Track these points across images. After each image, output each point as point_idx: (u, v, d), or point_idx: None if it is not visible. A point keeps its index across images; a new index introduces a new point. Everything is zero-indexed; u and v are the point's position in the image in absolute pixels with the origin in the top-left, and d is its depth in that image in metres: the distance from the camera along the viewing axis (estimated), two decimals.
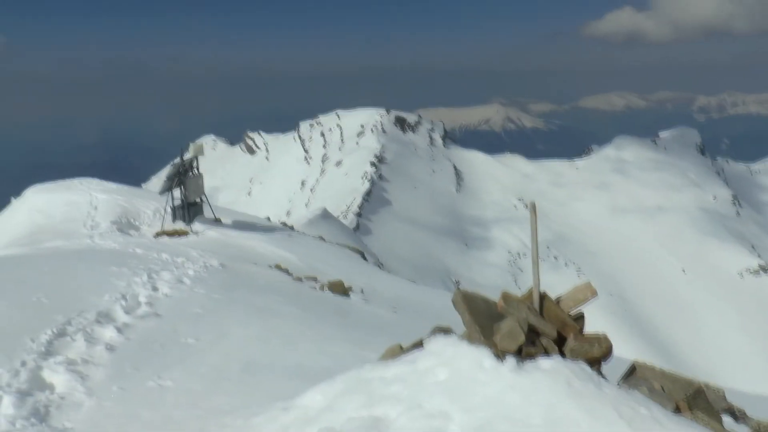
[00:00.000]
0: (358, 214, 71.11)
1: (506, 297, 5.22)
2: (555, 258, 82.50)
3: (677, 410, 5.61)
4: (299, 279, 15.39)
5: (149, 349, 7.62)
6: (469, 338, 5.06)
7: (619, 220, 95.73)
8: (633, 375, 5.81)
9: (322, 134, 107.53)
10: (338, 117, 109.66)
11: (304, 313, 11.13)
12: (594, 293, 5.54)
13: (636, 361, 6.01)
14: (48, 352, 7.17)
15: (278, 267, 16.59)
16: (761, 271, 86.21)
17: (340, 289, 14.92)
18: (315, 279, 15.56)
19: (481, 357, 4.67)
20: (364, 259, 29.26)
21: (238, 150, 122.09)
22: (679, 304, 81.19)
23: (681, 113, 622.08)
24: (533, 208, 5.36)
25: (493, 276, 73.13)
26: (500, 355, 4.81)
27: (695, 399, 5.86)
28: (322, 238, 29.47)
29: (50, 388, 6.30)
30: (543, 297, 5.37)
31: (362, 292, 15.80)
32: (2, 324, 7.94)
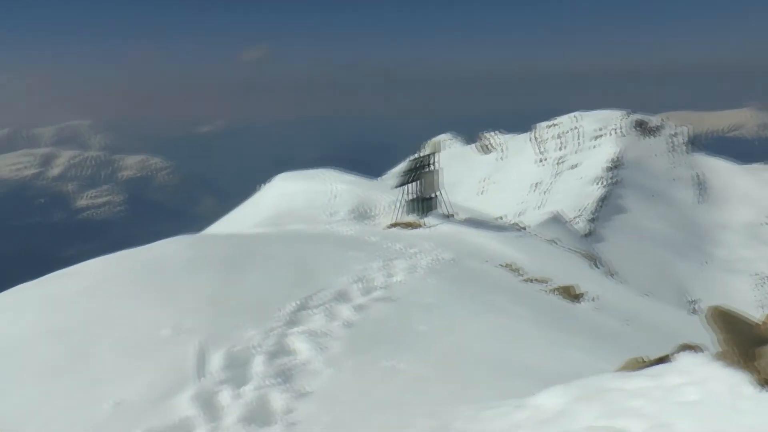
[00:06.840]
0: (591, 220, 67.07)
1: None
2: None
3: None
4: (529, 280, 15.10)
5: (383, 330, 7.88)
6: (725, 360, 4.57)
7: None
8: None
9: (559, 136, 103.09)
10: (576, 119, 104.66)
11: (533, 314, 10.86)
12: None
13: None
14: (292, 321, 7.75)
15: (508, 266, 16.40)
16: None
17: (570, 294, 14.39)
18: (545, 282, 15.17)
19: (739, 382, 4.17)
20: (596, 266, 27.82)
21: (472, 149, 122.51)
22: None
23: None
24: None
25: (735, 301, 65.87)
26: (763, 383, 4.27)
27: None
28: (554, 241, 28.41)
29: (294, 353, 6.79)
30: None
31: (593, 300, 15.11)
32: (256, 293, 8.74)
